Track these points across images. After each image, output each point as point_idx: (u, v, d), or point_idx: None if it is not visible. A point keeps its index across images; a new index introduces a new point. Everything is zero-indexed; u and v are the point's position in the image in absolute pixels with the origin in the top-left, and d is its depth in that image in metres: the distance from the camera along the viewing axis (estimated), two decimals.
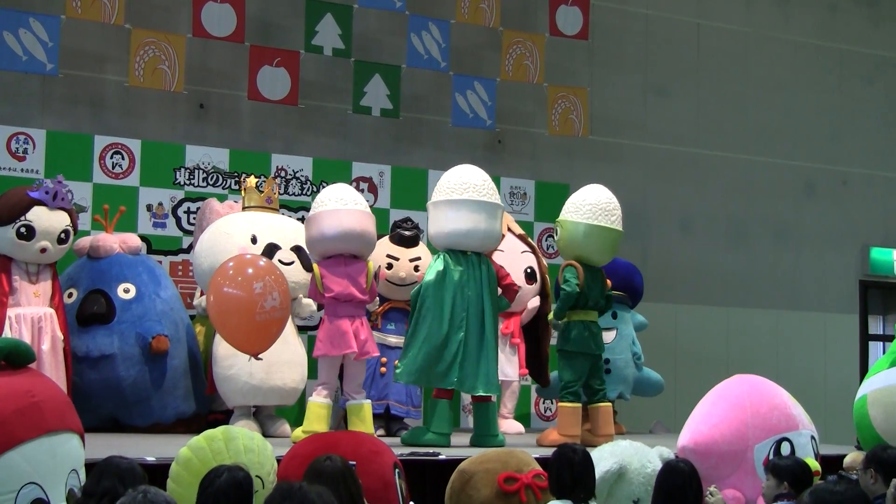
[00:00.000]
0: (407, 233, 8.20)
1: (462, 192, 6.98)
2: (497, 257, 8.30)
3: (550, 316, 7.63)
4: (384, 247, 8.00)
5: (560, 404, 7.35)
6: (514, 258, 8.54)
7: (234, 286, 6.07)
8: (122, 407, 7.59)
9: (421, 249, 8.26)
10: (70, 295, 7.66)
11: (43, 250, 7.10)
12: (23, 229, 7.05)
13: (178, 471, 4.25)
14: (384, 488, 4.38)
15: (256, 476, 4.14)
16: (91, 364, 7.50)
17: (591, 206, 7.32)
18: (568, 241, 7.41)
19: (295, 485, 3.41)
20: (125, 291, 7.71)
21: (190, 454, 4.27)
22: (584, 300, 7.28)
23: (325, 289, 6.81)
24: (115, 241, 7.90)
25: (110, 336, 7.57)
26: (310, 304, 7.43)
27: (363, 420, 6.93)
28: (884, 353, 7.07)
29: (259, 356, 6.36)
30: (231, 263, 6.24)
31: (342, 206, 6.87)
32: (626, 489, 4.54)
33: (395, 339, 8.02)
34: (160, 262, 8.44)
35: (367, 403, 7.06)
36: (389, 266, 8.04)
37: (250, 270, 6.16)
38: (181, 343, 7.84)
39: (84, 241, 7.90)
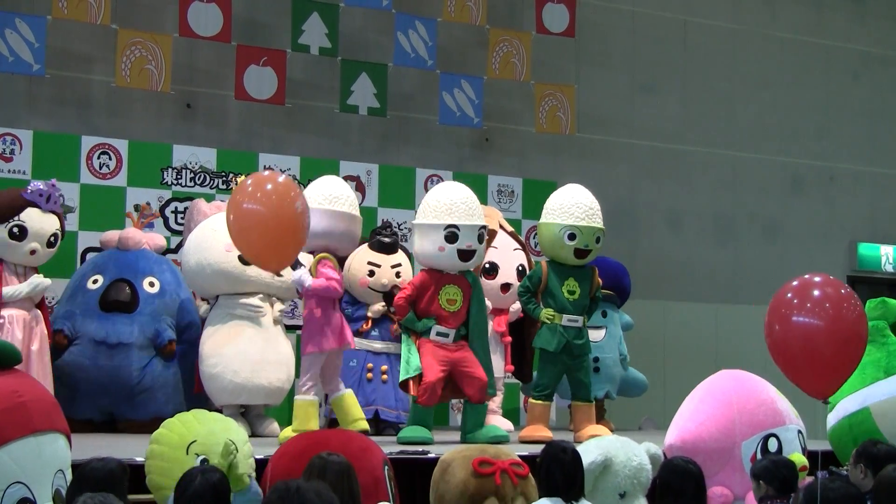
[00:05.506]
0: (386, 239, 8.15)
1: (448, 212, 7.00)
2: (491, 254, 8.36)
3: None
4: (364, 254, 8.00)
5: (530, 401, 7.46)
6: (506, 255, 8.58)
7: (258, 204, 5.86)
8: (124, 399, 7.55)
9: (401, 256, 8.24)
10: (95, 281, 7.75)
11: (33, 252, 7.12)
12: (15, 229, 7.06)
13: (152, 448, 4.45)
14: (374, 484, 4.40)
15: (230, 440, 4.27)
16: (106, 350, 7.56)
17: (557, 207, 7.35)
18: (542, 244, 7.55)
19: (292, 485, 3.34)
20: (150, 285, 7.80)
21: (161, 429, 4.53)
22: (551, 301, 7.30)
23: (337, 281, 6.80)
24: (142, 236, 8.03)
25: (131, 325, 7.65)
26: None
27: (351, 407, 6.93)
28: None
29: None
30: (249, 180, 6.01)
31: (337, 208, 6.87)
32: (611, 482, 4.55)
33: (379, 345, 8.04)
34: None
35: (349, 392, 7.03)
36: (371, 273, 8.02)
37: (269, 186, 5.93)
38: (193, 347, 7.72)
39: (112, 234, 8.04)
